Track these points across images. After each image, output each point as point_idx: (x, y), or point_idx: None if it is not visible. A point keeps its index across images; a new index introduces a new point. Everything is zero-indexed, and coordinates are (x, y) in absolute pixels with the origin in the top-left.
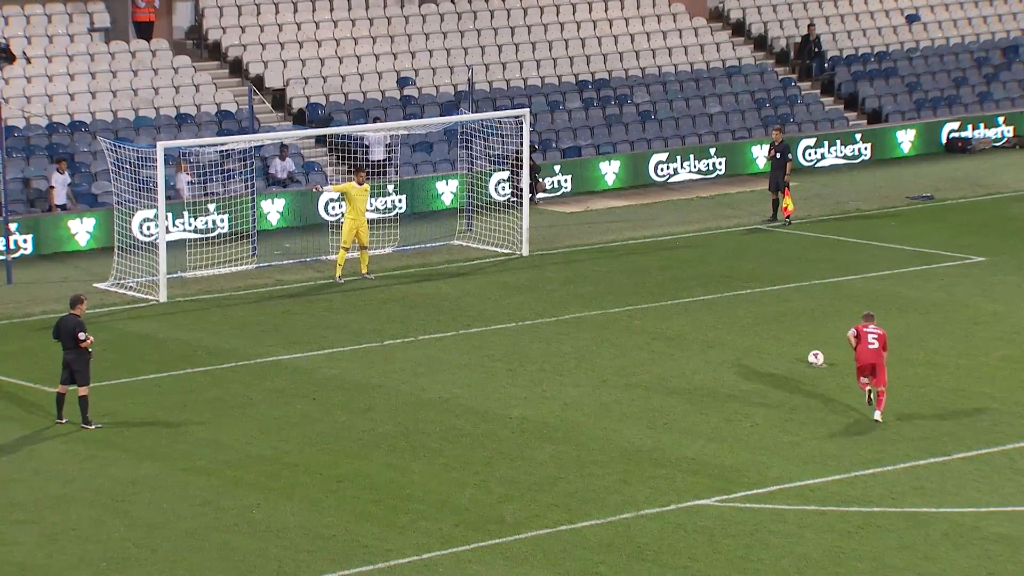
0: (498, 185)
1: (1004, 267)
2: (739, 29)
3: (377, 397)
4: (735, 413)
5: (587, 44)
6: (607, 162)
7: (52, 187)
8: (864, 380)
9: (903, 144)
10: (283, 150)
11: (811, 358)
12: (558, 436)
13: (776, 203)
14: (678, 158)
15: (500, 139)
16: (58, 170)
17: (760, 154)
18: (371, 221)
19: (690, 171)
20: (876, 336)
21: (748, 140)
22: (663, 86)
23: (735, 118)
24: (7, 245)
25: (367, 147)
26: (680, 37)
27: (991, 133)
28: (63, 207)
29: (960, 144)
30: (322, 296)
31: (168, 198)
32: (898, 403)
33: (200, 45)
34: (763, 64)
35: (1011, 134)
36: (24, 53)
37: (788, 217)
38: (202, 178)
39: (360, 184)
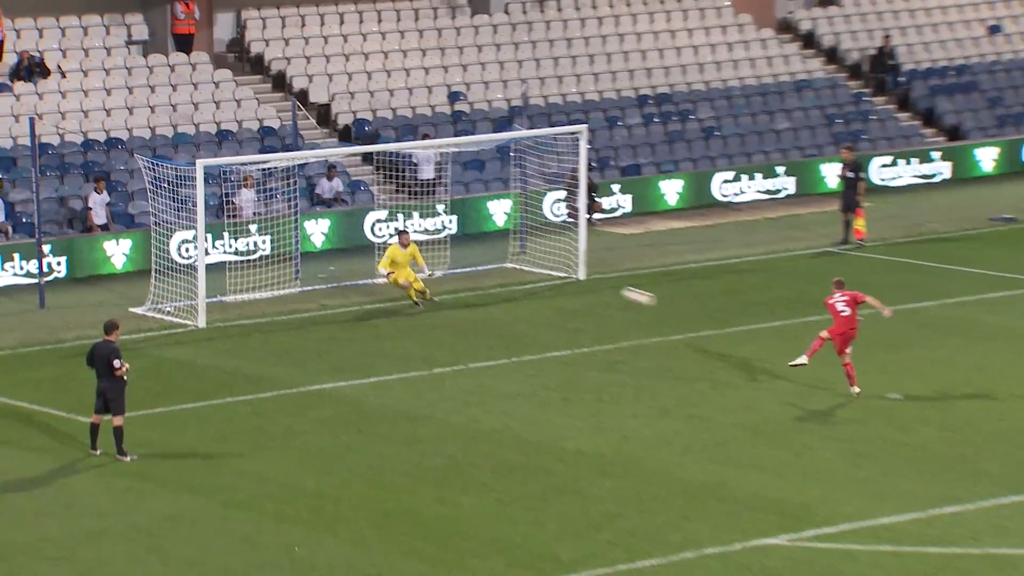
0: (553, 205)
1: None
2: (809, 41)
3: (426, 428)
4: (804, 447)
5: (648, 56)
6: (668, 181)
7: (90, 208)
8: (848, 352)
9: (983, 163)
10: (331, 171)
11: (628, 294)
12: (616, 470)
13: (848, 225)
14: (744, 177)
15: (556, 157)
16: (96, 190)
17: (831, 173)
18: (421, 243)
19: (756, 191)
20: (845, 301)
21: (818, 158)
22: (728, 101)
23: (804, 135)
24: (40, 268)
25: (416, 165)
26: (747, 49)
27: None
28: (104, 227)
29: None
30: (368, 322)
31: (231, 216)
32: (979, 436)
33: (242, 58)
34: (834, 77)
35: None
36: (59, 67)
37: (860, 240)
38: (231, 194)
39: (405, 246)
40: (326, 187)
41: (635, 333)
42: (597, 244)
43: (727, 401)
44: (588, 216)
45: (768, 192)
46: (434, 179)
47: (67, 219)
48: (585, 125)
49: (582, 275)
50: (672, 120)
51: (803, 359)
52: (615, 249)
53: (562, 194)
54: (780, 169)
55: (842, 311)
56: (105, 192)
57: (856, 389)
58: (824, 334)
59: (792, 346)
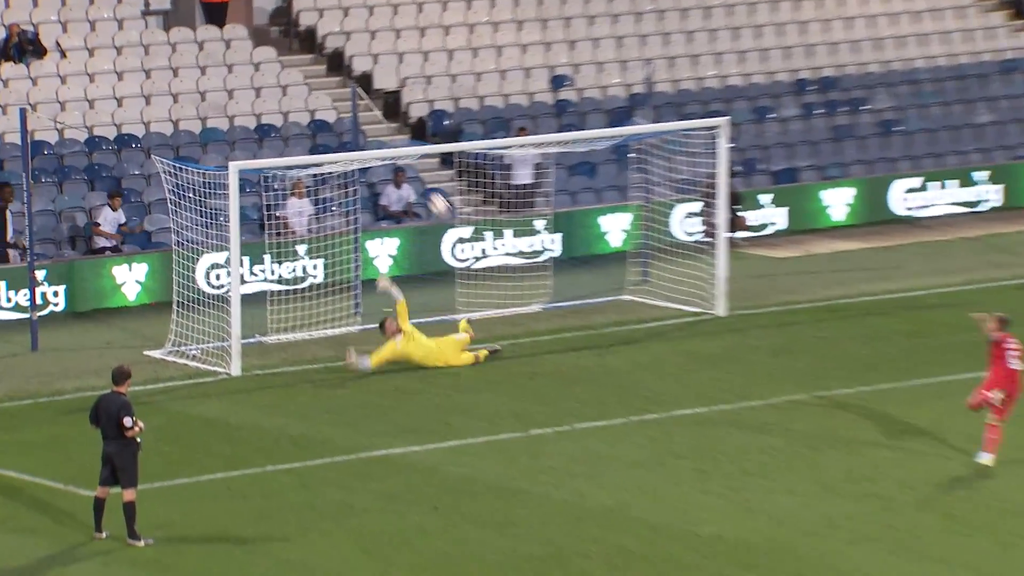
0: (685, 221)
1: None
2: (1021, 9)
3: (520, 506)
4: (1012, 535)
5: (808, 30)
6: (834, 190)
7: (97, 224)
8: (991, 396)
9: None
10: (398, 175)
11: (434, 203)
12: (764, 562)
13: None
14: (932, 185)
15: (688, 158)
16: (111, 206)
17: None
18: (515, 268)
19: (949, 202)
20: (1018, 352)
21: None
22: (913, 87)
23: (1014, 130)
24: (32, 299)
25: (508, 168)
26: (937, 20)
27: None
28: (115, 249)
29: None
30: (447, 369)
31: (278, 232)
32: None
33: (289, 33)
34: None
35: None
36: (58, 44)
37: None
38: (274, 206)
39: (393, 334)
40: (393, 196)
41: (790, 386)
42: (741, 270)
43: (910, 474)
44: (729, 235)
45: (964, 204)
46: (531, 185)
47: (68, 237)
48: (727, 118)
49: (721, 310)
50: (840, 111)
51: (986, 458)
52: (764, 277)
53: (696, 207)
54: (980, 175)
55: (1012, 363)
56: (121, 211)
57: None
58: (995, 395)
59: None
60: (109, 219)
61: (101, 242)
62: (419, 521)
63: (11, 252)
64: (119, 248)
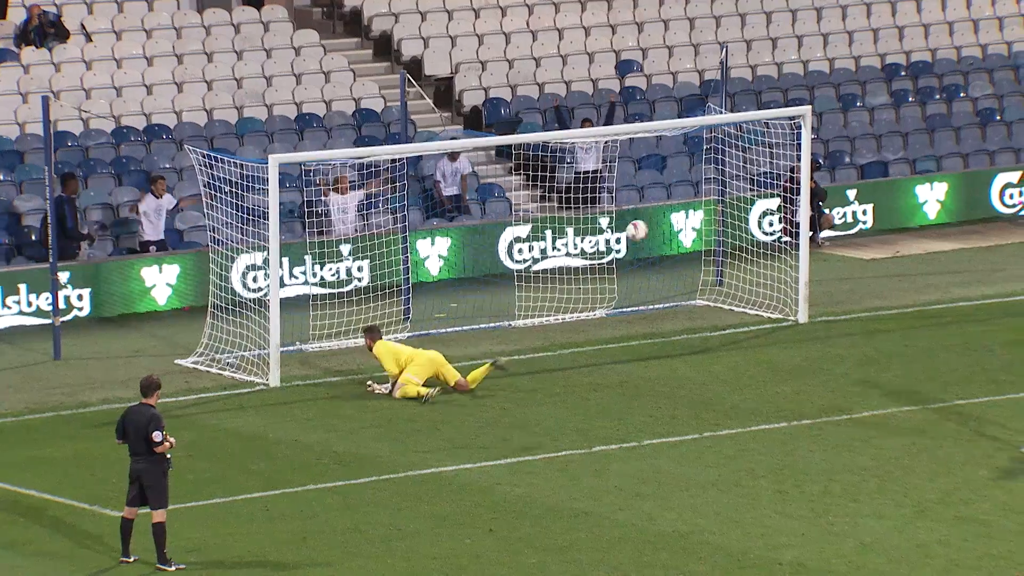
0: (763, 218)
1: None
2: None
3: (583, 529)
4: None
5: (900, 10)
6: (928, 185)
7: (143, 213)
8: None
9: None
10: (453, 154)
11: (631, 230)
12: None
13: None
14: None
15: (767, 151)
16: (153, 192)
17: None
18: (577, 270)
19: None
20: None
21: None
22: (1014, 72)
23: None
24: (55, 304)
25: (571, 160)
26: None
27: None
28: (159, 245)
29: None
30: (502, 380)
31: (320, 231)
32: None
33: (332, 15)
34: None
35: None
36: (82, 27)
37: None
38: (317, 202)
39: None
40: (448, 169)
41: (879, 399)
42: (825, 273)
43: (1012, 497)
44: (812, 234)
45: None
46: (595, 172)
47: (78, 234)
48: (809, 107)
49: (803, 317)
50: (934, 100)
51: None
52: (850, 280)
53: (776, 203)
54: None
55: None
56: (168, 195)
57: None
58: None
59: None
60: (152, 206)
61: (147, 235)
62: (473, 545)
63: (82, 245)
64: (165, 245)
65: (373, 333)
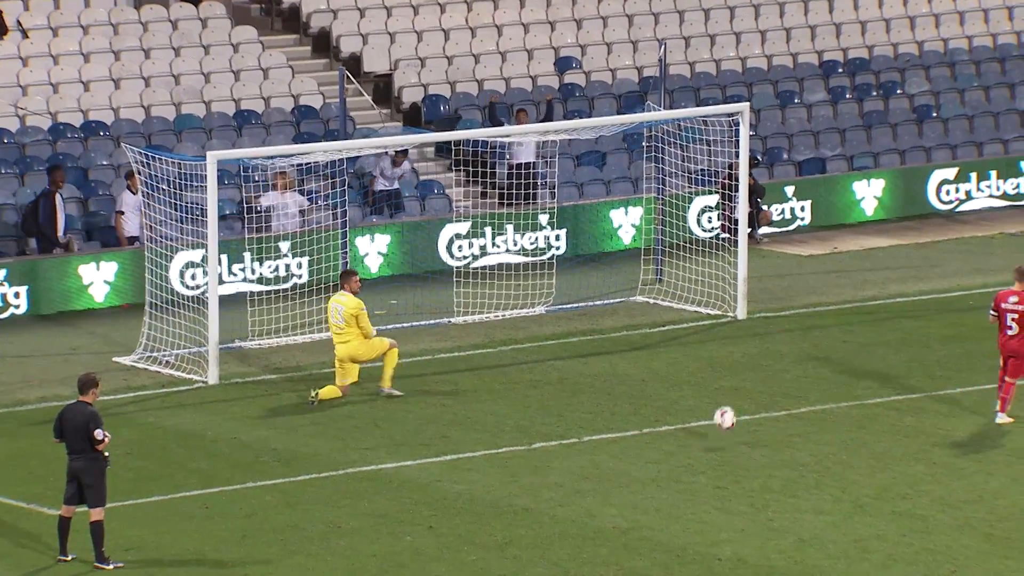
0: (702, 215)
1: None
2: None
3: (523, 525)
4: None
5: (836, 8)
6: (865, 181)
7: (121, 212)
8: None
9: None
10: (400, 156)
11: (718, 417)
12: None
13: None
14: (972, 176)
15: (706, 148)
16: (130, 188)
17: None
18: (517, 267)
19: (990, 194)
20: (1018, 315)
21: None
22: (951, 69)
23: None
24: None
25: (508, 149)
26: None
27: None
28: (133, 241)
29: None
30: (444, 376)
31: (259, 228)
32: None
33: (271, 12)
34: None
35: None
36: (19, 23)
37: None
38: (255, 199)
39: (356, 292)
40: (388, 172)
41: (817, 395)
42: (763, 269)
43: (949, 492)
44: (750, 231)
45: (1007, 198)
46: (533, 165)
47: (19, 233)
48: (747, 104)
49: (742, 313)
50: (871, 97)
51: (1000, 417)
52: (789, 276)
53: (714, 200)
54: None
55: (1009, 329)
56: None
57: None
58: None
59: None
60: (130, 203)
61: (129, 230)
62: (413, 542)
63: (56, 249)
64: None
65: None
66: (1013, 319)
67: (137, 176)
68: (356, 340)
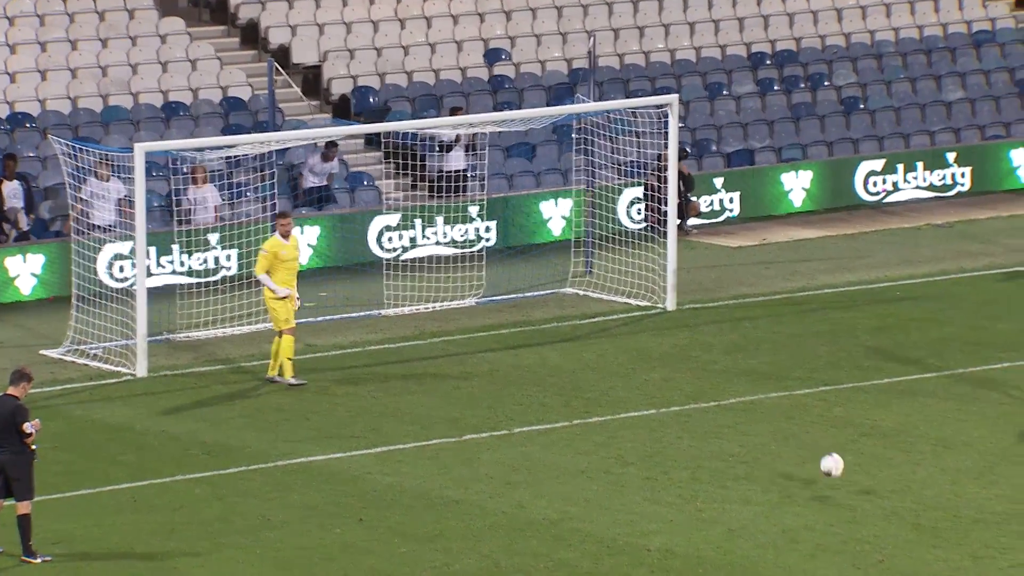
0: (632, 207)
1: None
2: None
3: (453, 517)
4: (984, 546)
5: (765, 0)
6: (793, 173)
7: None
8: None
9: None
10: (331, 149)
11: (825, 464)
12: None
13: None
14: (899, 167)
15: (635, 139)
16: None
17: None
18: (447, 259)
19: (917, 186)
20: None
21: (1005, 141)
22: (877, 61)
23: (985, 108)
24: None
25: (440, 151)
26: None
27: None
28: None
29: None
30: (374, 369)
31: (187, 220)
32: None
33: (199, 3)
34: None
35: None
36: None
37: None
38: (183, 191)
39: (286, 237)
40: (318, 168)
41: (746, 386)
42: (693, 261)
43: (877, 481)
44: (680, 222)
45: (934, 189)
46: (465, 170)
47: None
48: (676, 96)
49: (671, 304)
50: (799, 88)
51: None
52: (718, 268)
53: (643, 192)
54: (951, 156)
55: None
56: (115, 179)
57: None
58: None
59: (971, 406)
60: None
61: (96, 220)
62: (343, 535)
63: (5, 226)
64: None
65: (285, 220)
66: None
67: (103, 163)
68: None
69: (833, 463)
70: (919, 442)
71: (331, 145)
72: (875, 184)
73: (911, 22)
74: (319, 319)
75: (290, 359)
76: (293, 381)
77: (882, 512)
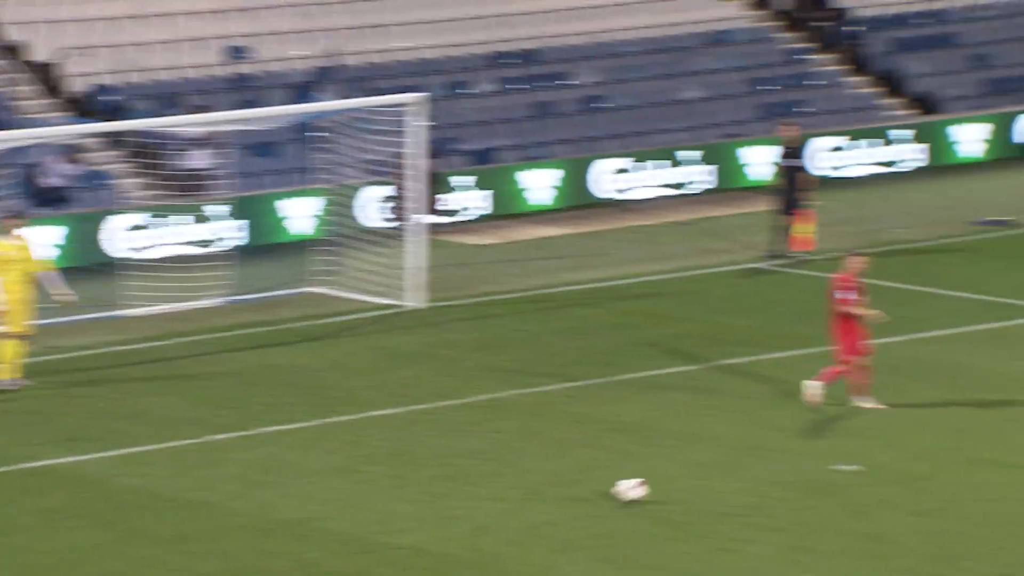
0: (377, 205)
1: None
2: None
3: (198, 519)
4: (728, 539)
5: None
6: (536, 171)
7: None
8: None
9: (966, 145)
10: (73, 155)
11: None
12: (468, 574)
13: (783, 231)
14: (639, 165)
15: (380, 138)
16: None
17: (760, 159)
18: (191, 258)
19: (657, 184)
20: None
21: (741, 139)
22: (617, 60)
23: (723, 107)
24: None
25: (181, 150)
26: None
27: None
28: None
29: None
30: (116, 370)
31: None
32: (964, 523)
33: None
34: (762, 28)
35: None
36: None
37: (804, 251)
38: None
39: (13, 236)
40: (58, 170)
41: (492, 383)
42: (439, 259)
43: (619, 476)
44: (425, 220)
45: (673, 186)
46: (209, 169)
47: None
48: (420, 94)
49: (418, 303)
50: (540, 87)
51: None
52: (464, 266)
53: (389, 190)
54: (689, 154)
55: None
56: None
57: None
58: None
59: (712, 400)
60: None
61: None
62: (87, 538)
63: None
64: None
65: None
66: None
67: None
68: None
69: (634, 489)
70: (662, 437)
71: (73, 150)
72: (617, 182)
73: (651, 22)
74: (59, 320)
75: (9, 363)
76: (8, 385)
77: (622, 507)
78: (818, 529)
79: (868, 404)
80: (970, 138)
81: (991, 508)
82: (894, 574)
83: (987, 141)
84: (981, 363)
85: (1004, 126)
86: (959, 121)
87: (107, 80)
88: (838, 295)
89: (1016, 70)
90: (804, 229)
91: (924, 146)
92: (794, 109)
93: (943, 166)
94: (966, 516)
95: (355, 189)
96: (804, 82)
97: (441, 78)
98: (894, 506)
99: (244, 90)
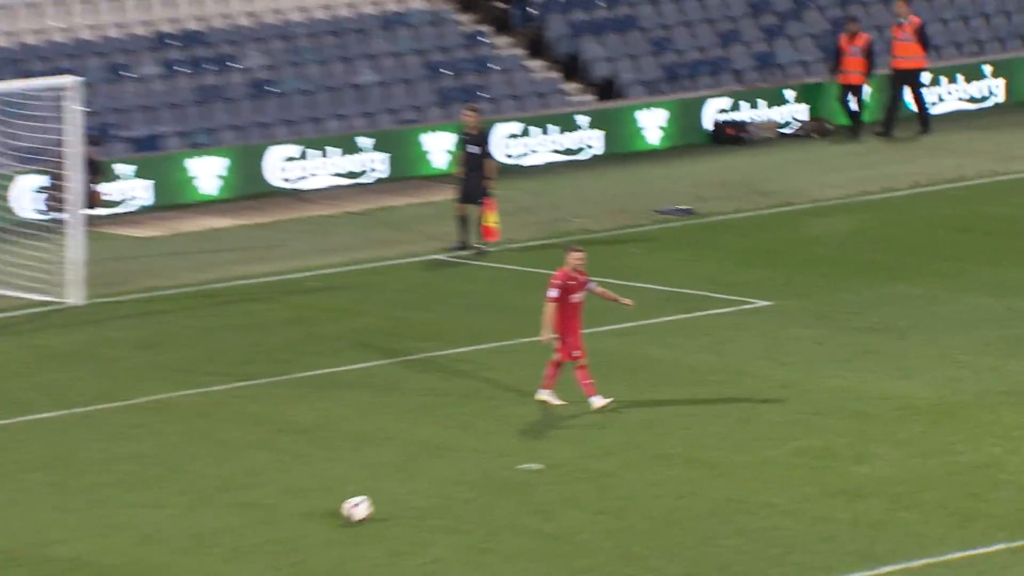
0: (30, 196)
1: (798, 315)
2: None
3: None
4: (406, 542)
5: None
6: (202, 159)
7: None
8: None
9: (648, 131)
10: None
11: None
12: None
13: (465, 221)
14: (313, 153)
15: (33, 124)
16: None
17: (440, 146)
18: None
19: (332, 173)
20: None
21: (420, 125)
22: (288, 42)
23: (399, 92)
24: None
25: None
26: None
27: (776, 114)
28: None
29: (731, 131)
30: None
31: None
32: (648, 521)
33: None
34: (439, 10)
35: (806, 116)
36: None
37: (488, 242)
38: None
39: None
40: None
41: (158, 383)
42: (100, 252)
43: (294, 480)
44: (84, 212)
45: (349, 175)
46: None
47: None
48: (77, 78)
49: (77, 299)
50: (206, 70)
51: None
52: (127, 260)
53: (44, 180)
54: (365, 141)
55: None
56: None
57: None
58: None
59: (389, 398)
60: None
61: None
62: None
63: None
64: None
65: None
66: None
67: None
68: None
69: (358, 509)
70: (337, 437)
71: None
72: (289, 170)
73: (322, 3)
74: None
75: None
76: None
77: (300, 511)
78: (500, 529)
79: (551, 400)
80: (652, 124)
81: (675, 504)
82: (577, 574)
83: (668, 127)
84: (666, 356)
85: (686, 112)
86: (640, 107)
87: None
88: (553, 293)
89: (696, 54)
90: (490, 219)
91: (605, 133)
92: (477, 94)
93: (626, 153)
94: (650, 513)
95: (7, 179)
96: (485, 66)
97: (100, 60)
98: (578, 504)
99: None
